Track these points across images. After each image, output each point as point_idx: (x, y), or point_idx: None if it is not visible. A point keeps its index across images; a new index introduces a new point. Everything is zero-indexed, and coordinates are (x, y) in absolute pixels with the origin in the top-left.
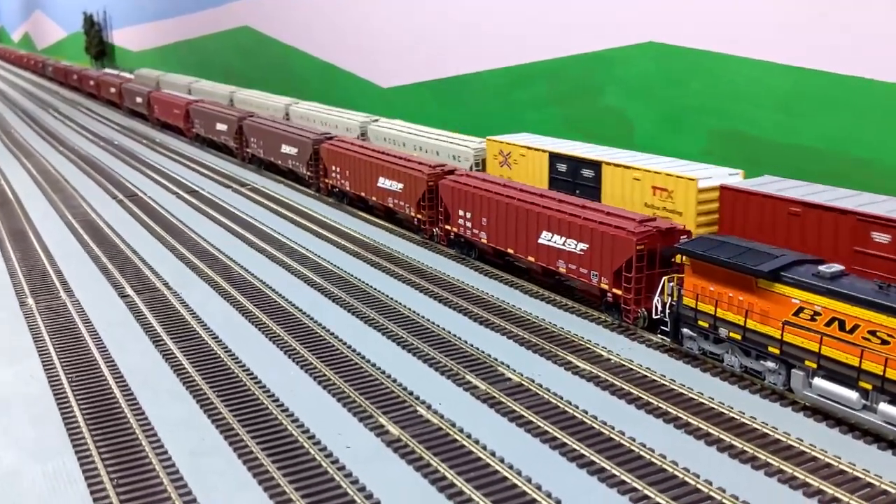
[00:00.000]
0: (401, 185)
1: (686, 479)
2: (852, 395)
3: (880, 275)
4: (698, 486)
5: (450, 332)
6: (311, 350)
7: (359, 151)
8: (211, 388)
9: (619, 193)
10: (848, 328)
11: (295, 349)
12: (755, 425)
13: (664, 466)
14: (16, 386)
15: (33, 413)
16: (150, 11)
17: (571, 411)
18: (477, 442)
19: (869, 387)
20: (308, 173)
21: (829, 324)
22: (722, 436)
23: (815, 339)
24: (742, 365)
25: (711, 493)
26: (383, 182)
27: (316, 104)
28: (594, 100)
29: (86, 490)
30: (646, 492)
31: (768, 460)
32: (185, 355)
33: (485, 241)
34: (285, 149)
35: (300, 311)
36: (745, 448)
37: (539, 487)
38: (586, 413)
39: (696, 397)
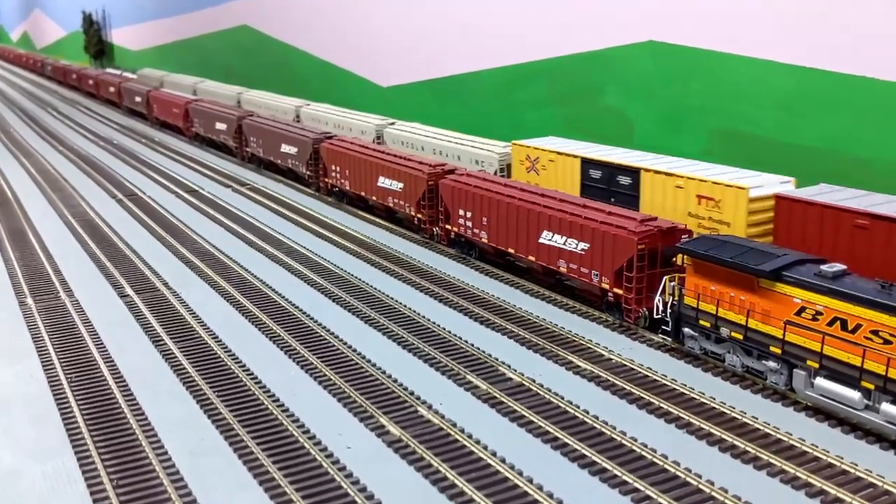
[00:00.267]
0: (401, 185)
1: (688, 479)
2: (854, 395)
3: None
4: (700, 486)
5: (450, 332)
6: (311, 350)
7: (359, 151)
8: (211, 388)
9: (660, 202)
10: (850, 328)
11: (295, 349)
12: (757, 425)
13: (666, 467)
14: (15, 386)
15: (33, 413)
16: (150, 10)
17: (572, 411)
18: (478, 442)
19: (871, 387)
20: (308, 173)
21: (831, 323)
22: (724, 436)
23: (817, 339)
24: (744, 365)
25: (713, 494)
26: (383, 181)
27: (327, 106)
28: (594, 99)
29: (85, 490)
30: (647, 492)
31: (770, 461)
32: (184, 355)
33: (485, 241)
34: (285, 148)
35: (300, 310)
36: (748, 448)
37: (540, 488)
38: (587, 413)
39: (697, 397)
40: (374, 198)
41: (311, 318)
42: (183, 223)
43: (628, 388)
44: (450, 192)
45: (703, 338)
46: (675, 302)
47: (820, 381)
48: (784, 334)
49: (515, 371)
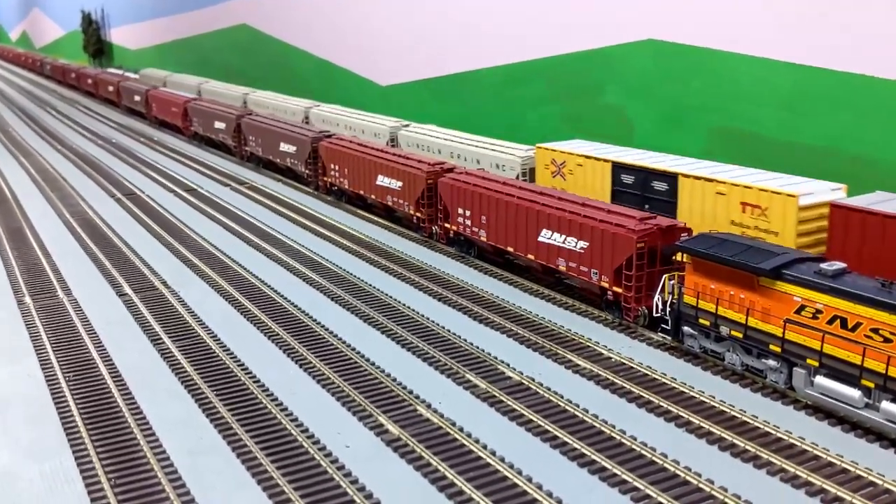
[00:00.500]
0: (400, 183)
1: (687, 478)
2: (854, 393)
3: None
4: (700, 485)
5: (449, 331)
6: (310, 349)
7: (357, 149)
8: (209, 387)
9: (700, 209)
10: (850, 326)
11: (294, 348)
12: (757, 424)
13: (665, 465)
14: (13, 385)
15: (31, 412)
16: (148, 10)
17: (572, 410)
18: (477, 441)
19: (871, 385)
20: (307, 171)
21: (831, 322)
22: (723, 434)
23: (817, 338)
24: (743, 363)
25: (713, 493)
26: (382, 180)
27: (338, 107)
28: (594, 98)
29: (83, 489)
30: (647, 491)
31: (770, 459)
32: (183, 354)
33: (484, 240)
34: (284, 147)
35: (299, 309)
36: (747, 447)
37: (540, 487)
38: (587, 412)
39: (697, 396)
40: (373, 196)
41: (310, 317)
42: (182, 222)
43: (628, 386)
44: (449, 191)
45: (702, 336)
46: (674, 300)
47: (820, 380)
48: (784, 333)
49: (515, 370)
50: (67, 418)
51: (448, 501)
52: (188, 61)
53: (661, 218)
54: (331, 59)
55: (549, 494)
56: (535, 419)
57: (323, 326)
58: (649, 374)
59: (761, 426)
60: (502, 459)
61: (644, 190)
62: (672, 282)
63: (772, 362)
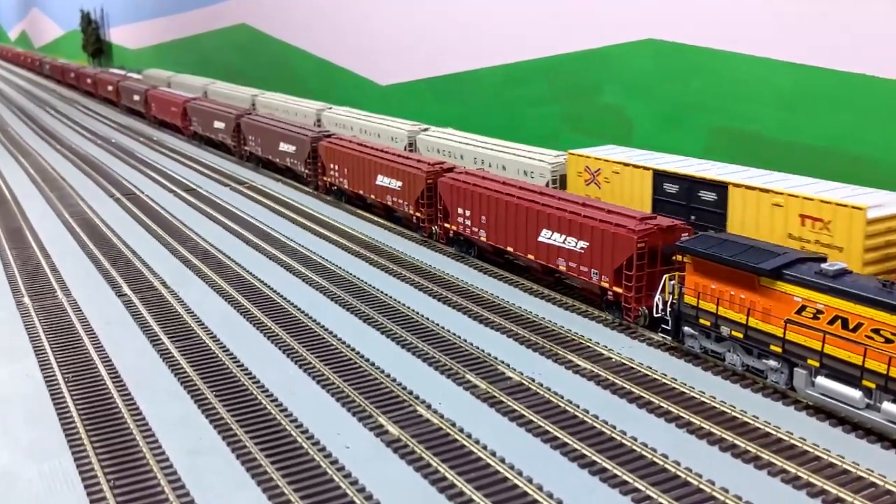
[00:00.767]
0: (399, 183)
1: (688, 479)
2: (856, 393)
3: None
4: (701, 486)
5: (449, 331)
6: (309, 349)
7: (357, 149)
8: (209, 387)
9: (753, 221)
10: (851, 326)
11: (293, 348)
12: (757, 424)
13: (666, 466)
14: (12, 385)
15: (30, 413)
16: (148, 9)
17: (572, 410)
18: (477, 442)
19: (872, 385)
20: (306, 171)
21: (832, 322)
22: (724, 435)
23: (817, 338)
24: (744, 364)
25: (714, 494)
26: (382, 180)
27: (352, 110)
28: (593, 98)
29: (82, 490)
30: (648, 492)
31: (771, 460)
32: (182, 354)
33: (484, 240)
34: (283, 147)
35: (299, 309)
36: (748, 448)
37: (540, 488)
38: (587, 412)
39: (697, 396)
40: (372, 196)
41: (310, 318)
42: (181, 222)
43: (628, 387)
44: (448, 191)
45: (703, 337)
46: (675, 300)
47: (821, 380)
48: (785, 333)
49: (515, 370)
50: (66, 419)
51: (448, 502)
52: (187, 61)
53: (661, 218)
54: (330, 59)
55: (550, 495)
56: (535, 420)
57: (322, 327)
58: (650, 374)
59: (762, 427)
60: (502, 460)
61: (689, 200)
62: (672, 282)
63: (772, 363)
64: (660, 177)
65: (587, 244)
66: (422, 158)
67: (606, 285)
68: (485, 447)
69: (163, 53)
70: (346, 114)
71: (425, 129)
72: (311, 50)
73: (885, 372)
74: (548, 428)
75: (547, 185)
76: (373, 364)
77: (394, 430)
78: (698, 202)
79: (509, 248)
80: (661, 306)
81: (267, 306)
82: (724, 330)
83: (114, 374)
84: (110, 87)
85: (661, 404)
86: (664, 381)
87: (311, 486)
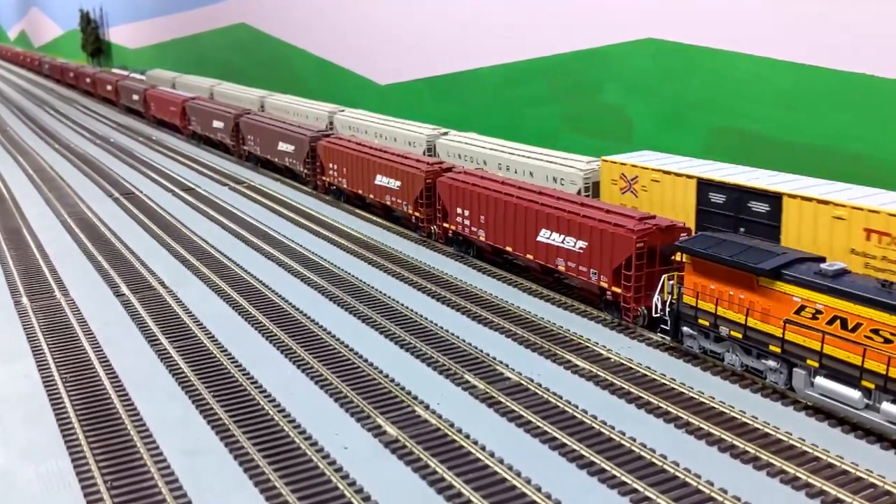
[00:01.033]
0: (398, 183)
1: (687, 479)
2: (855, 394)
3: None
4: (700, 486)
5: (448, 331)
6: (307, 349)
7: (356, 149)
8: (206, 387)
9: (810, 234)
10: (850, 327)
11: (291, 348)
12: (757, 425)
13: (665, 467)
14: (10, 386)
15: (27, 413)
16: (147, 9)
17: (571, 411)
18: (476, 442)
19: (871, 386)
20: (305, 171)
21: (831, 322)
22: (723, 436)
23: (816, 338)
24: (743, 364)
25: (713, 494)
26: (381, 179)
27: (366, 113)
28: (593, 97)
29: (79, 491)
30: (646, 493)
31: (770, 461)
32: (180, 354)
33: (483, 239)
34: (282, 146)
35: (297, 309)
36: (747, 448)
37: (539, 489)
38: (586, 413)
39: (696, 396)
40: (371, 196)
41: (308, 318)
42: (180, 222)
43: (627, 387)
44: (447, 190)
45: (702, 337)
46: (674, 300)
47: (820, 381)
48: (784, 333)
49: (513, 370)
50: (64, 419)
51: (446, 503)
52: (187, 60)
53: (660, 218)
54: (329, 58)
55: (548, 496)
56: (533, 420)
57: (321, 327)
58: (648, 374)
59: (761, 427)
60: (501, 461)
61: (739, 211)
62: (671, 282)
63: (771, 363)
64: (705, 186)
65: (586, 244)
66: (420, 158)
67: (605, 285)
68: (483, 448)
69: (162, 53)
70: (360, 116)
71: (445, 133)
72: (311, 49)
73: (884, 372)
74: (546, 428)
75: (578, 192)
76: (371, 364)
77: (392, 430)
78: (748, 213)
79: (508, 248)
80: (660, 306)
81: (265, 306)
82: (723, 330)
83: (111, 374)
84: (109, 87)
85: (660, 404)
86: (663, 381)
87: (308, 487)
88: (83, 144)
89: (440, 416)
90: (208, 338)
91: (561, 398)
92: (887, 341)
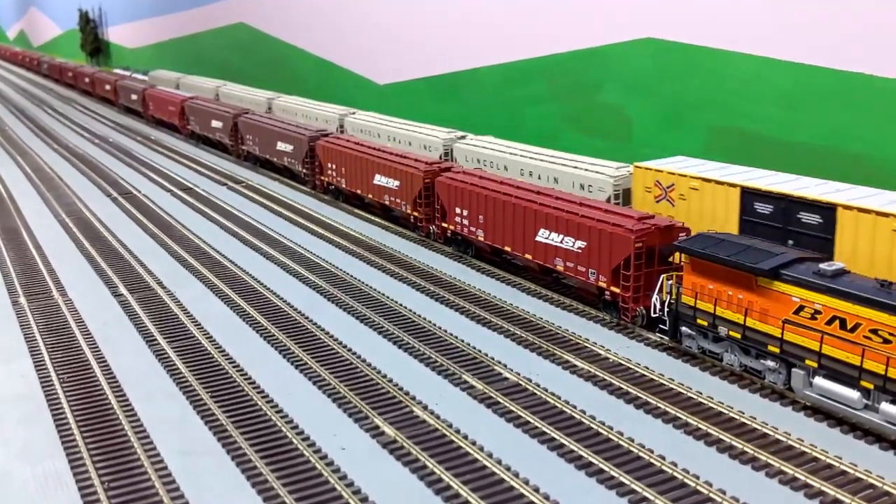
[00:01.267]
0: (397, 183)
1: (686, 480)
2: (853, 394)
3: None
4: (698, 487)
5: (447, 331)
6: (306, 350)
7: (354, 148)
8: (204, 388)
9: (867, 250)
10: (849, 327)
11: (290, 349)
12: (755, 425)
13: (663, 467)
14: (7, 386)
15: (24, 413)
16: (146, 8)
17: (569, 411)
18: (474, 443)
19: (870, 386)
20: (304, 170)
21: (829, 322)
22: (722, 436)
23: (815, 338)
24: (742, 364)
25: (712, 495)
26: (379, 179)
27: (379, 115)
28: (592, 96)
29: (76, 492)
30: (645, 493)
31: (769, 461)
32: (178, 355)
33: (482, 239)
34: (281, 146)
35: (295, 309)
36: (746, 448)
37: (537, 489)
38: (584, 413)
39: (695, 397)
40: (370, 196)
41: (307, 318)
42: (178, 222)
43: (625, 387)
44: (446, 190)
45: (700, 337)
46: (672, 300)
47: (818, 381)
48: (782, 333)
49: (512, 371)
50: (61, 419)
51: None
52: (186, 60)
53: (658, 217)
54: (328, 58)
55: (546, 497)
56: (532, 420)
57: (319, 327)
58: (647, 374)
59: (760, 427)
60: (499, 461)
61: (787, 223)
62: (670, 282)
63: (770, 363)
64: (749, 195)
65: (585, 244)
66: (419, 157)
67: (604, 285)
68: (481, 448)
69: (161, 53)
70: (372, 119)
71: (462, 137)
72: (309, 49)
73: (882, 372)
74: (545, 429)
75: (608, 200)
76: (369, 364)
77: (390, 431)
78: (798, 225)
79: (507, 248)
80: (658, 306)
81: (263, 306)
82: (722, 330)
83: (109, 374)
84: (108, 87)
85: (659, 405)
86: (662, 381)
87: (306, 488)
88: (82, 144)
89: (438, 417)
90: (206, 338)
91: (559, 398)
92: (886, 341)
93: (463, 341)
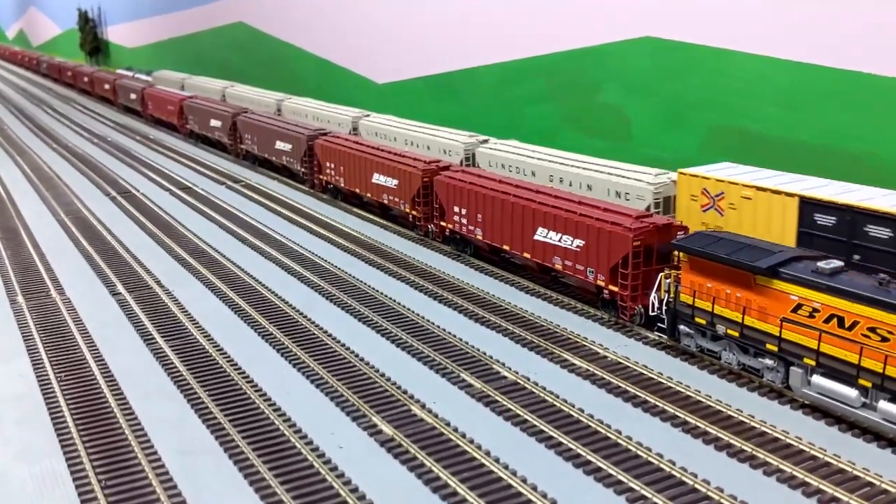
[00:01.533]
0: (395, 182)
1: (684, 478)
2: (851, 392)
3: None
4: (696, 485)
5: (445, 330)
6: (304, 348)
7: (353, 147)
8: (202, 387)
9: None
10: (847, 325)
11: (288, 348)
12: (753, 423)
13: (661, 465)
14: (4, 385)
15: (22, 413)
16: (145, 8)
17: (567, 410)
18: (472, 441)
19: (868, 384)
20: (302, 169)
21: (828, 321)
22: (720, 434)
23: (813, 336)
24: (740, 362)
25: (709, 493)
26: (378, 178)
27: (394, 118)
28: (591, 95)
29: (74, 491)
30: (643, 491)
31: (767, 459)
32: (176, 354)
33: (480, 238)
34: (280, 145)
35: (294, 308)
36: (744, 447)
37: (535, 488)
38: (582, 411)
39: (693, 395)
40: (368, 195)
41: (305, 317)
42: (177, 221)
43: (624, 386)
44: (444, 189)
45: (699, 335)
46: (670, 299)
47: (817, 379)
48: (781, 331)
49: (510, 369)
50: (59, 419)
51: (442, 503)
52: (185, 60)
53: (657, 216)
54: (327, 57)
55: (544, 495)
56: (530, 419)
57: (317, 326)
58: (645, 373)
59: (758, 426)
60: (497, 460)
61: (852, 236)
62: (668, 280)
63: (768, 361)
64: (808, 205)
65: (583, 242)
66: (418, 156)
67: (602, 284)
68: (479, 447)
69: (160, 52)
70: (389, 122)
71: (484, 141)
72: (308, 48)
73: (881, 371)
74: (543, 427)
75: (647, 209)
76: (367, 363)
77: (388, 429)
78: (865, 239)
79: (505, 247)
80: (657, 305)
81: (262, 305)
82: (720, 328)
83: (107, 373)
84: (107, 86)
85: (657, 403)
86: (660, 379)
87: (304, 486)
88: (81, 144)
89: (436, 415)
90: (204, 337)
91: (558, 397)
92: (884, 339)
93: (461, 340)
